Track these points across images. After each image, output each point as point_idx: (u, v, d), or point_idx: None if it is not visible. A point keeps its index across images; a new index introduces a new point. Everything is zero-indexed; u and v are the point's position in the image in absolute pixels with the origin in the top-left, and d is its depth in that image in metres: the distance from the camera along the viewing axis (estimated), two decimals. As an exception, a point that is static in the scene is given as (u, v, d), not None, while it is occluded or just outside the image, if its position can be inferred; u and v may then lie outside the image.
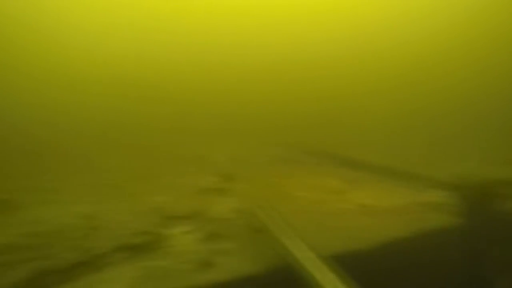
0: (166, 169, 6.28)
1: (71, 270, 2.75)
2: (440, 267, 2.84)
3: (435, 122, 10.27)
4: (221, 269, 2.80)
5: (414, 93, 12.87)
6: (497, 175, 4.72)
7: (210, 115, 11.08)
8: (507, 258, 2.93)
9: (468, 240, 3.13)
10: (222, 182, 5.24)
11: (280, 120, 11.13)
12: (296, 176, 5.70)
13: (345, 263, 2.59)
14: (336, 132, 9.92)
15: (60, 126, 8.87)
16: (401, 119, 10.49)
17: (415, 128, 9.61)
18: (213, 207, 4.27)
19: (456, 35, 15.43)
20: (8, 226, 3.34)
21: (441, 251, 2.98)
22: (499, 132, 9.01)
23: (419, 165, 5.97)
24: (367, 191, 4.53)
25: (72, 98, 10.79)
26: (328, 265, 2.24)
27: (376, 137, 8.88)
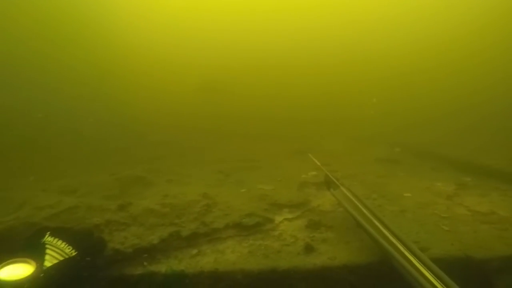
0: (270, 161, 6.58)
1: (193, 238, 3.16)
2: None
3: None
4: (322, 254, 2.91)
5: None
6: None
7: (313, 110, 11.10)
8: None
9: None
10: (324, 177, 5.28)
11: (381, 118, 10.51)
12: (400, 176, 5.40)
13: (453, 268, 2.45)
14: (434, 131, 8.93)
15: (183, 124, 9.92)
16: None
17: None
18: (315, 199, 4.37)
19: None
20: (146, 197, 4.01)
21: None
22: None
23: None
24: (483, 197, 4.06)
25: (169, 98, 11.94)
26: (429, 264, 2.14)
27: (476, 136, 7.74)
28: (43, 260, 2.32)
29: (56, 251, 2.36)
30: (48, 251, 2.37)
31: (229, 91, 12.63)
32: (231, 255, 2.94)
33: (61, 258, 2.35)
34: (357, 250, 2.91)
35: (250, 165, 6.38)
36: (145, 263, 2.92)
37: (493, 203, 3.73)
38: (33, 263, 2.25)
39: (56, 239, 2.45)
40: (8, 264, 2.23)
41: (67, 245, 2.45)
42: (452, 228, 3.18)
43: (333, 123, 10.96)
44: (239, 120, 10.73)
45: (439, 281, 1.97)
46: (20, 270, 2.29)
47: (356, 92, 13.73)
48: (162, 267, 2.86)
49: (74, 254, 2.42)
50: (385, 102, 12.38)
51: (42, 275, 2.21)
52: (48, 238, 2.40)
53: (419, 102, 12.33)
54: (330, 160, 6.64)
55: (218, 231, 3.27)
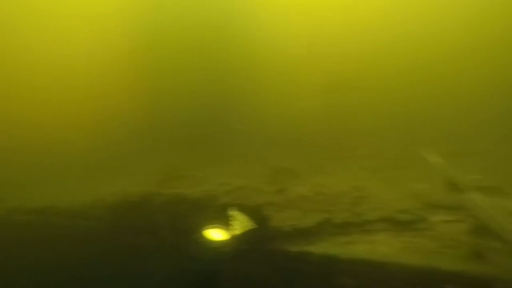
0: (418, 160, 6.12)
1: (345, 227, 3.28)
2: None
3: None
4: (491, 264, 2.62)
5: None
6: None
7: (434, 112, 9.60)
8: None
9: None
10: (491, 181, 4.63)
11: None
12: None
13: None
14: None
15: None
16: None
17: None
18: (477, 203, 3.88)
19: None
20: (300, 185, 4.36)
21: None
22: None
23: None
24: None
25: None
26: None
27: None
28: (232, 229, 2.90)
29: (239, 223, 2.90)
30: (234, 222, 2.94)
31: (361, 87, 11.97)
32: (386, 248, 2.94)
33: (244, 229, 2.88)
34: None
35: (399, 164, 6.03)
36: (301, 243, 3.18)
37: None
38: (225, 230, 2.85)
39: (238, 213, 2.99)
40: (210, 228, 2.90)
41: (247, 218, 2.96)
42: None
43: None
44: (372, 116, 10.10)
45: None
46: (218, 234, 2.93)
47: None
48: (316, 248, 3.06)
49: (251, 227, 2.90)
50: None
51: (232, 241, 2.77)
52: (233, 212, 2.98)
53: None
54: (498, 164, 5.67)
55: (370, 222, 3.31)
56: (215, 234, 2.95)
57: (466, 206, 3.94)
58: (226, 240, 2.86)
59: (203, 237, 3.06)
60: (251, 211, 3.20)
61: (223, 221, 3.11)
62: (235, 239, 2.85)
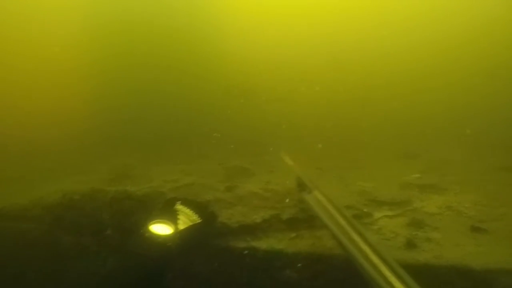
0: (369, 161, 6.39)
1: (292, 223, 3.32)
2: None
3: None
4: (424, 251, 2.77)
5: None
6: None
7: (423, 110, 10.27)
8: None
9: None
10: (428, 179, 4.93)
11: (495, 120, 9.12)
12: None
13: None
14: None
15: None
16: None
17: None
18: (418, 200, 4.11)
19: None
20: (251, 183, 4.35)
21: None
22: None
23: None
24: None
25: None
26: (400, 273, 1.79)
27: None
28: (177, 223, 2.81)
29: (185, 217, 2.82)
30: (180, 216, 2.85)
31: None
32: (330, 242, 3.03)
33: (190, 224, 2.81)
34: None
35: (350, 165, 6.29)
36: (248, 239, 3.17)
37: None
38: (171, 225, 2.76)
39: (184, 207, 2.91)
40: (155, 223, 2.80)
41: (193, 213, 2.89)
42: None
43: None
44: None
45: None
46: (163, 229, 2.83)
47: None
48: (263, 244, 3.07)
49: (197, 221, 2.84)
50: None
51: (178, 235, 2.70)
52: (179, 206, 2.88)
53: None
54: (439, 165, 6.15)
55: (316, 218, 3.37)
56: (161, 229, 2.80)
57: (407, 202, 4.23)
58: (172, 236, 2.73)
59: (148, 233, 2.89)
60: (198, 207, 3.11)
61: (169, 216, 2.96)
62: (181, 235, 2.73)
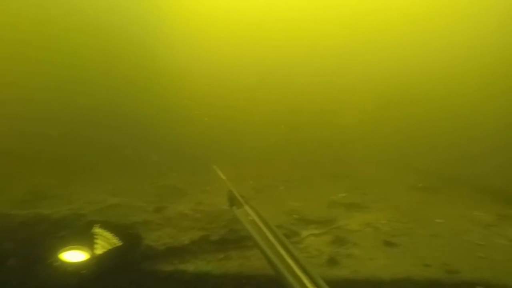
0: (301, 181, 6.68)
1: (221, 244, 3.33)
2: None
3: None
4: (344, 267, 2.94)
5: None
6: None
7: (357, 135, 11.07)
8: None
9: None
10: (352, 198, 5.31)
11: (415, 144, 10.23)
12: (434, 203, 5.27)
13: None
14: (470, 157, 8.49)
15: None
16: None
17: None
18: (343, 218, 4.40)
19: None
20: (182, 203, 4.28)
21: None
22: None
23: None
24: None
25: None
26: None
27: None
28: (94, 248, 2.63)
29: (104, 241, 2.66)
30: (97, 240, 2.68)
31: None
32: (258, 262, 3.06)
33: (109, 248, 2.64)
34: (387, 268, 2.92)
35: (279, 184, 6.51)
36: (175, 261, 3.10)
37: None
38: (86, 251, 2.57)
39: (103, 231, 2.74)
40: (67, 249, 2.57)
41: (112, 236, 2.73)
42: (488, 256, 3.08)
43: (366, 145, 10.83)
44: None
45: None
46: (77, 255, 2.62)
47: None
48: (190, 266, 3.02)
49: (118, 244, 2.69)
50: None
51: (94, 261, 2.51)
52: (97, 229, 2.71)
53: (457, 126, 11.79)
54: (363, 184, 6.59)
55: (246, 239, 3.40)
56: (74, 256, 2.53)
57: (332, 220, 4.51)
58: (87, 262, 2.47)
59: (58, 262, 2.58)
60: (120, 230, 2.89)
61: (85, 241, 2.68)
62: (98, 260, 2.49)
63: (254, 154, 9.94)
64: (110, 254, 2.67)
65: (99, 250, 2.64)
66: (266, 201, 5.04)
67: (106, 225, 2.88)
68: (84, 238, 2.74)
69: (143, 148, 9.21)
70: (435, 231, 3.97)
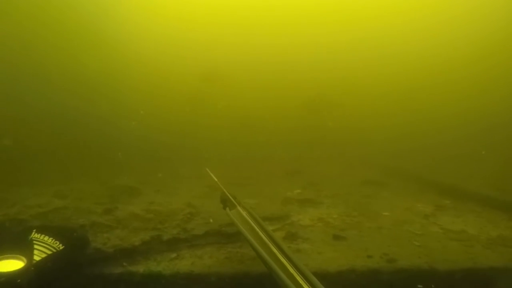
0: (258, 179, 6.79)
1: (174, 243, 3.33)
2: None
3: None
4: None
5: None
6: None
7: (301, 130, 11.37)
8: None
9: None
10: (307, 194, 5.50)
11: (366, 140, 10.76)
12: (383, 197, 5.60)
13: (417, 278, 2.63)
14: (419, 151, 9.13)
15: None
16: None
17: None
18: (297, 214, 4.54)
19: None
20: (134, 204, 4.19)
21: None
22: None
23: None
24: (458, 217, 4.24)
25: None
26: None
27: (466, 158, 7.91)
28: (32, 254, 2.49)
29: (44, 246, 2.53)
30: (36, 246, 2.54)
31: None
32: (208, 260, 3.09)
33: (49, 253, 2.52)
34: (335, 260, 3.06)
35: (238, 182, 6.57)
36: (124, 263, 3.06)
37: (466, 223, 3.90)
38: (23, 258, 2.43)
39: (42, 235, 2.62)
40: (5, 257, 2.41)
41: (53, 240, 2.61)
42: (423, 244, 3.34)
43: (327, 143, 11.19)
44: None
45: None
46: (12, 264, 2.46)
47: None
48: (140, 267, 2.99)
49: (60, 248, 2.58)
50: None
51: (32, 268, 2.38)
52: (35, 235, 2.58)
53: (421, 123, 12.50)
54: (318, 180, 6.83)
55: (198, 237, 3.42)
56: (8, 265, 2.34)
57: (286, 216, 4.66)
58: (23, 270, 2.30)
59: None
60: (62, 233, 2.74)
61: (21, 248, 2.50)
62: (36, 267, 2.34)
63: (213, 153, 9.90)
64: (51, 260, 2.55)
65: (37, 257, 2.51)
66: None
67: (47, 229, 2.74)
68: (20, 245, 2.58)
69: (99, 146, 8.85)
70: (380, 223, 4.23)
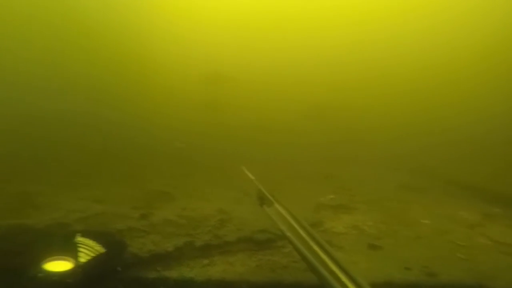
0: (288, 182, 6.73)
1: (206, 249, 3.37)
2: None
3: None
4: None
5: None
6: None
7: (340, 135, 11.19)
8: None
9: None
10: (340, 200, 5.38)
11: (404, 143, 10.36)
12: (421, 203, 5.35)
13: None
14: (462, 157, 8.63)
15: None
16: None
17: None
18: (330, 220, 4.45)
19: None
20: (168, 209, 4.30)
21: None
22: None
23: None
24: (510, 228, 3.95)
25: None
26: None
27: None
28: (78, 257, 2.67)
29: (88, 249, 2.69)
30: (81, 249, 2.72)
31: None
32: (240, 268, 3.10)
33: (93, 255, 2.68)
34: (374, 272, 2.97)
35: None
36: (158, 268, 3.13)
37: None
38: (71, 260, 2.61)
39: (86, 239, 2.78)
40: (50, 260, 2.61)
41: (96, 244, 2.77)
42: (469, 257, 3.15)
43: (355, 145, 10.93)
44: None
45: None
46: (61, 265, 2.66)
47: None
48: (174, 273, 3.05)
49: (102, 252, 2.73)
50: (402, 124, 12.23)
51: (80, 269, 2.55)
52: (79, 238, 2.75)
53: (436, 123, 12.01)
54: (351, 184, 6.65)
55: (230, 244, 3.44)
56: (58, 266, 2.54)
57: (319, 223, 4.57)
58: (71, 271, 2.49)
59: (42, 272, 2.58)
60: (103, 238, 2.90)
61: (68, 250, 2.69)
62: (82, 269, 2.51)
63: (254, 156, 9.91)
64: (94, 262, 2.72)
65: (83, 259, 2.69)
66: (248, 206, 5.08)
67: (89, 234, 2.91)
68: (67, 248, 2.78)
69: (132, 151, 9.21)
70: (419, 232, 4.04)
